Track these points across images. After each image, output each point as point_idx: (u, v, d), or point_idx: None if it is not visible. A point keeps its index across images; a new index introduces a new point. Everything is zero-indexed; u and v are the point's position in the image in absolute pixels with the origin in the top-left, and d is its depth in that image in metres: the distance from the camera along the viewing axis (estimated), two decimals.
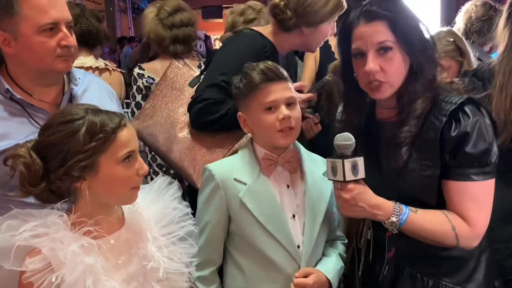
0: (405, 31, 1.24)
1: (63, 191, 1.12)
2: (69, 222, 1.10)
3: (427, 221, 1.23)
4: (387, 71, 1.24)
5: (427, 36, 1.28)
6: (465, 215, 1.21)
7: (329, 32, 1.92)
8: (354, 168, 1.21)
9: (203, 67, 2.41)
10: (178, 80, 1.91)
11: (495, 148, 1.21)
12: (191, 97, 1.80)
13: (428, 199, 1.25)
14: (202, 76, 1.85)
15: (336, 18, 1.89)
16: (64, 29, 1.30)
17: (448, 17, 3.24)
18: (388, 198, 1.26)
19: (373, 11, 1.25)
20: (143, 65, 2.71)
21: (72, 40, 1.32)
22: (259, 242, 1.37)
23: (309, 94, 1.84)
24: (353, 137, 1.22)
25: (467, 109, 1.20)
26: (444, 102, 1.23)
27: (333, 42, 2.71)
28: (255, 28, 1.95)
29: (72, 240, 1.06)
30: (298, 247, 1.40)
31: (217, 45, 8.75)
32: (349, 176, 1.20)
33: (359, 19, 1.26)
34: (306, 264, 1.39)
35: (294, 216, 1.42)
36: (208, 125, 1.73)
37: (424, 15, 3.42)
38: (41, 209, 1.12)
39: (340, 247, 1.52)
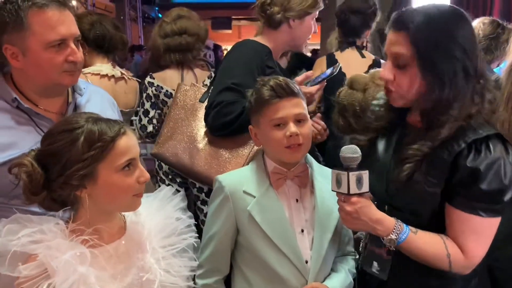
0: (427, 49, 1.17)
1: (64, 199, 1.13)
2: (67, 230, 1.10)
3: (425, 243, 1.22)
4: (398, 83, 1.23)
5: (465, 62, 1.17)
6: (463, 245, 1.20)
7: (312, 28, 2.07)
8: (359, 181, 1.21)
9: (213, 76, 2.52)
10: (188, 100, 2.00)
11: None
12: (205, 108, 1.86)
13: (423, 212, 1.25)
14: (211, 88, 1.92)
15: (317, 13, 2.06)
16: (72, 45, 1.32)
17: None
18: (379, 192, 1.27)
19: (400, 20, 1.20)
20: (154, 75, 2.76)
21: (79, 55, 1.34)
22: (267, 256, 1.38)
23: (317, 86, 1.87)
24: (359, 150, 1.23)
25: (491, 143, 1.16)
26: (470, 129, 1.18)
27: (340, 57, 2.75)
28: (250, 39, 2.06)
29: (68, 248, 1.06)
30: (306, 262, 1.40)
31: None
32: (354, 189, 1.21)
33: (390, 25, 1.23)
34: (314, 280, 1.39)
35: (302, 231, 1.42)
36: (226, 127, 1.77)
37: None
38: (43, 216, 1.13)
39: (350, 262, 1.51)
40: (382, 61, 2.75)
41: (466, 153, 1.16)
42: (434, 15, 1.18)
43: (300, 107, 1.41)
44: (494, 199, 1.16)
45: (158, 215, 1.27)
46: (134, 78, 2.75)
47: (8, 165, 1.18)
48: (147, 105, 2.70)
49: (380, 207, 1.33)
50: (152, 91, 2.69)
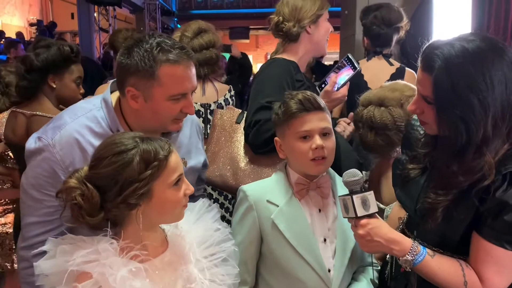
0: (444, 98, 1.12)
1: (118, 218, 1.16)
2: (118, 248, 1.14)
3: (441, 269, 1.20)
4: (426, 116, 1.21)
5: (488, 108, 1.09)
6: (483, 276, 1.17)
7: (329, 27, 2.13)
8: (365, 203, 1.22)
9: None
10: (225, 123, 2.08)
11: None
12: (244, 129, 1.94)
13: (450, 237, 1.22)
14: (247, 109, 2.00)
15: (327, 13, 2.12)
16: (189, 98, 1.37)
17: (480, 22, 3.13)
18: (410, 210, 1.25)
19: (426, 60, 1.16)
20: None
21: (193, 109, 1.39)
22: (290, 264, 1.39)
23: (345, 87, 1.98)
24: (360, 173, 1.24)
25: None
26: (509, 158, 1.14)
27: (365, 65, 2.75)
28: (276, 57, 2.12)
29: (121, 265, 1.10)
30: (329, 271, 1.41)
31: None
32: (361, 212, 1.22)
33: (420, 61, 1.20)
34: None
35: (325, 240, 1.44)
36: (268, 143, 1.80)
37: (455, 20, 3.35)
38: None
39: (371, 273, 1.52)
40: (407, 69, 2.74)
41: (499, 184, 1.11)
42: (457, 60, 1.11)
43: (326, 121, 1.44)
44: None
45: (198, 227, 1.30)
46: None
47: None
48: None
49: (410, 226, 1.33)
50: None
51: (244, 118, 2.01)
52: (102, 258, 1.09)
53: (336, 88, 1.99)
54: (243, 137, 1.99)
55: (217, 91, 2.85)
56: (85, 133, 1.33)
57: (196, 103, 2.75)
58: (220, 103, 2.87)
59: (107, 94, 1.40)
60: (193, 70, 1.36)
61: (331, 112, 1.95)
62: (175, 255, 1.23)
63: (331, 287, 1.40)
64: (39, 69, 2.12)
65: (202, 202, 1.36)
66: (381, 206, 1.76)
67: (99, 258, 1.09)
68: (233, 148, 2.01)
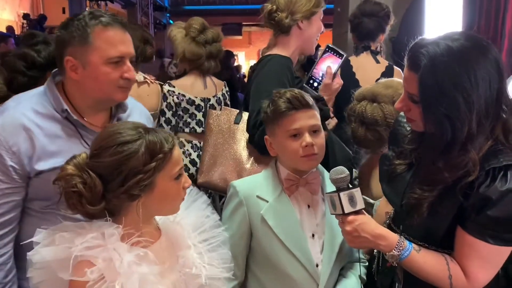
0: (429, 96, 1.14)
1: (116, 208, 1.15)
2: (120, 235, 1.13)
3: (427, 263, 1.22)
4: (413, 114, 1.23)
5: (473, 106, 1.11)
6: (467, 269, 1.19)
7: (321, 27, 2.13)
8: (352, 199, 1.24)
9: None
10: (222, 124, 2.05)
11: None
12: (246, 130, 1.92)
13: (435, 231, 1.24)
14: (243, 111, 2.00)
15: (322, 12, 2.12)
16: (128, 63, 1.39)
17: (471, 21, 3.15)
18: (396, 205, 1.27)
19: (412, 58, 1.18)
20: (173, 82, 2.79)
21: (134, 74, 1.42)
22: (279, 259, 1.41)
23: (338, 75, 1.98)
24: (346, 170, 1.26)
25: (510, 173, 1.12)
26: (491, 154, 1.15)
27: (355, 61, 2.77)
28: (268, 53, 2.10)
29: (126, 251, 1.10)
30: (317, 265, 1.43)
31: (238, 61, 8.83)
32: (348, 208, 1.24)
33: (406, 59, 1.21)
34: (325, 283, 1.42)
35: (313, 235, 1.45)
36: None
37: (446, 19, 3.35)
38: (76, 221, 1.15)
39: (359, 269, 1.53)
40: (395, 67, 2.75)
41: (482, 179, 1.14)
42: (442, 58, 1.12)
43: (314, 118, 1.45)
44: (504, 227, 1.14)
45: (190, 213, 1.31)
46: (157, 82, 2.82)
47: (54, 172, 1.22)
48: (169, 114, 2.75)
49: (396, 221, 1.34)
50: (173, 100, 2.73)
51: (242, 119, 2.00)
52: (109, 243, 1.09)
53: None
54: (243, 138, 1.98)
55: (215, 85, 2.92)
56: (29, 114, 1.35)
57: (197, 97, 2.82)
58: (219, 98, 2.93)
59: (49, 78, 1.44)
60: (128, 37, 1.40)
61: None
62: (169, 242, 1.24)
63: (319, 281, 1.42)
64: (41, 65, 2.11)
65: (191, 190, 1.35)
66: (371, 201, 1.78)
67: (105, 243, 1.09)
68: (235, 150, 1.99)
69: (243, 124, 1.98)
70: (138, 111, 1.62)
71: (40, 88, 1.44)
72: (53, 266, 1.08)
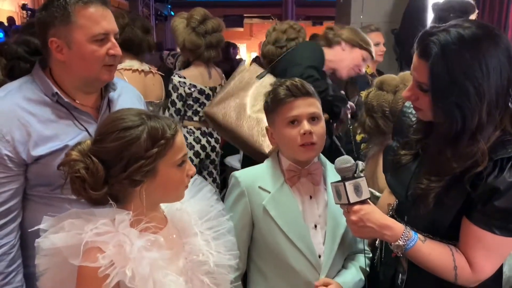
0: (440, 85, 1.12)
1: (120, 194, 1.15)
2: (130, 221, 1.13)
3: (432, 254, 1.21)
4: (421, 103, 1.21)
5: (484, 96, 1.10)
6: (472, 260, 1.18)
7: (360, 64, 2.43)
8: (357, 189, 1.23)
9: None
10: (245, 76, 2.30)
11: None
12: (270, 84, 2.00)
13: (441, 222, 1.23)
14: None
15: (369, 57, 2.44)
16: (113, 39, 1.39)
17: None
18: (400, 196, 1.27)
19: (423, 46, 1.15)
20: (182, 73, 2.84)
21: (119, 50, 1.41)
22: (281, 250, 1.41)
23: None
24: (352, 159, 1.25)
25: None
26: (500, 144, 1.14)
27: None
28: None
29: (136, 236, 1.10)
30: (319, 256, 1.43)
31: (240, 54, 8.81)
32: (353, 198, 1.22)
33: (416, 46, 1.18)
34: (327, 274, 1.42)
35: (316, 226, 1.45)
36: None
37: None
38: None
39: (361, 260, 1.53)
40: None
41: (489, 170, 1.13)
42: (453, 46, 1.10)
43: (314, 106, 1.44)
44: (511, 218, 1.13)
45: (195, 201, 1.31)
46: (159, 72, 2.87)
47: (53, 156, 1.23)
48: (179, 105, 2.83)
49: (400, 212, 1.34)
50: (184, 91, 2.80)
51: (263, 77, 2.26)
52: (121, 229, 1.09)
53: None
54: (256, 90, 2.20)
55: (219, 74, 3.02)
56: (20, 102, 1.36)
57: (206, 87, 2.90)
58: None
59: (36, 66, 1.43)
60: (110, 14, 1.41)
61: None
62: (175, 229, 1.24)
63: (321, 272, 1.42)
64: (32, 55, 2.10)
65: (196, 179, 1.35)
66: (377, 194, 1.78)
67: (116, 229, 1.09)
68: (245, 97, 2.20)
69: (261, 81, 2.22)
70: (129, 91, 1.64)
71: (27, 77, 1.44)
72: (63, 252, 1.07)
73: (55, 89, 1.38)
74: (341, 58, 2.39)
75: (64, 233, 1.08)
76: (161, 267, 1.11)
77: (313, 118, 1.42)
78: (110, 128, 1.12)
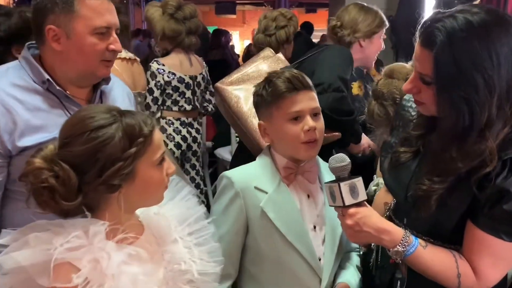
0: (447, 77, 1.04)
1: (94, 202, 1.04)
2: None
3: (434, 260, 1.13)
4: (423, 96, 1.14)
5: (494, 89, 1.01)
6: (477, 267, 1.10)
7: (381, 45, 2.30)
8: (353, 190, 1.13)
9: None
10: (263, 68, 2.16)
11: None
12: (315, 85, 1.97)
13: (444, 226, 1.16)
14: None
15: (384, 32, 2.29)
16: (114, 34, 1.34)
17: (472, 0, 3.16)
18: (399, 197, 1.21)
19: (426, 34, 1.06)
20: (161, 60, 2.78)
21: (120, 45, 1.36)
22: (279, 254, 1.34)
23: None
24: (347, 158, 1.16)
25: None
26: (509, 143, 1.06)
27: None
28: None
29: (114, 249, 1.00)
30: (319, 259, 1.37)
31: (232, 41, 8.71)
32: (349, 200, 1.13)
33: (419, 35, 1.10)
34: (327, 277, 1.36)
35: (315, 227, 1.39)
36: (339, 114, 1.92)
37: None
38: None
39: (355, 259, 1.49)
40: None
41: (498, 170, 1.04)
42: (461, 34, 1.02)
43: (315, 100, 1.38)
44: None
45: (174, 205, 1.21)
46: (138, 61, 2.79)
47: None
48: (157, 93, 2.74)
49: (399, 214, 1.27)
50: (163, 79, 2.73)
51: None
52: (96, 242, 0.98)
53: None
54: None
55: (200, 63, 2.98)
56: (7, 88, 1.28)
57: (186, 75, 2.84)
58: (204, 75, 3.00)
59: (24, 51, 1.36)
60: (113, 7, 1.35)
61: None
62: (153, 237, 1.14)
63: (322, 275, 1.36)
64: (1, 40, 1.99)
65: (173, 179, 1.24)
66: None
67: (90, 243, 0.98)
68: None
69: None
70: (120, 85, 1.57)
71: (14, 62, 1.36)
72: (29, 271, 0.94)
73: (47, 76, 1.30)
74: (364, 55, 2.26)
75: (29, 249, 0.95)
76: (143, 282, 1.01)
77: (315, 114, 1.36)
78: (79, 129, 1.00)
